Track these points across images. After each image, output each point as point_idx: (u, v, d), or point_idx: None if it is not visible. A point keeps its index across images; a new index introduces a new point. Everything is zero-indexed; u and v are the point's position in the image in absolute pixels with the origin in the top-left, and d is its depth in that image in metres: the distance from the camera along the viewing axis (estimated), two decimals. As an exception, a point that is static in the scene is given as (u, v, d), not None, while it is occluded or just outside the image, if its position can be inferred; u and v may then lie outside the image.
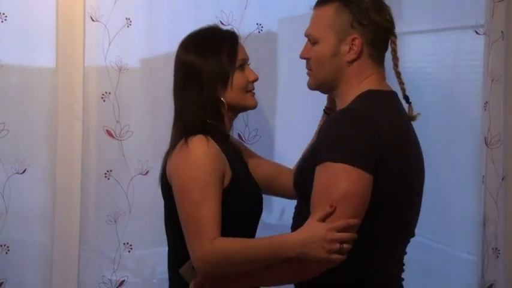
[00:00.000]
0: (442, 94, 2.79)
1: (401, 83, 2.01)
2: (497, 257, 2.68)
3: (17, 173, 2.38)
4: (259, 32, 2.58)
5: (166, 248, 2.21)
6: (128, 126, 2.43)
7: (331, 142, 1.80)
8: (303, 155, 2.15)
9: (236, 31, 2.30)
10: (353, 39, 1.91)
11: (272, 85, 2.65)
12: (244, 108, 2.07)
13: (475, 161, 2.67)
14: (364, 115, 1.83)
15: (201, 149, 1.86)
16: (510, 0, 2.63)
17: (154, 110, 2.48)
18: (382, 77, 1.98)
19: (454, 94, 2.77)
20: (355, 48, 1.91)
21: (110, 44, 2.39)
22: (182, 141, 1.90)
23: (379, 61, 1.97)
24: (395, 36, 1.98)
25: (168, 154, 1.97)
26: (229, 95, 1.98)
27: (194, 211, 1.84)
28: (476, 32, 2.67)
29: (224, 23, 2.49)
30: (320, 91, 2.06)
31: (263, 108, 2.55)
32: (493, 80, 2.62)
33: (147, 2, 2.47)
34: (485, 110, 2.62)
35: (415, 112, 2.02)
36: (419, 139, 1.99)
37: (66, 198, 2.37)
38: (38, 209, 2.43)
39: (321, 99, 2.58)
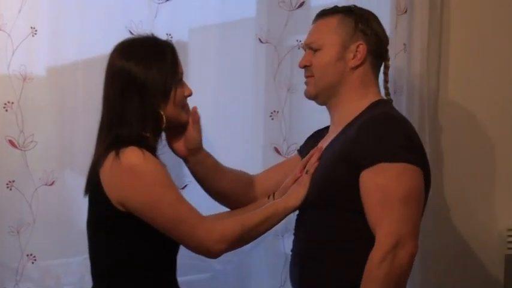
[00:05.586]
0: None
1: (390, 99, 2.09)
2: None
3: None
4: (169, 42, 2.59)
5: (71, 259, 2.21)
6: (32, 136, 2.38)
7: (382, 144, 1.81)
8: (324, 164, 2.00)
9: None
10: (358, 46, 1.97)
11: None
12: (179, 124, 2.02)
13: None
14: (404, 120, 1.92)
15: (139, 158, 1.82)
16: (413, 13, 2.70)
17: (60, 120, 2.45)
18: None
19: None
20: (358, 55, 1.97)
21: (13, 53, 2.34)
22: (112, 155, 1.84)
23: (377, 73, 2.04)
24: (388, 53, 2.06)
25: (95, 166, 1.90)
26: (169, 109, 1.94)
27: (177, 210, 1.84)
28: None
29: (134, 32, 2.46)
30: (318, 100, 2.06)
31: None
32: (395, 92, 2.69)
33: (53, 11, 2.42)
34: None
35: None
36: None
37: (-34, 208, 2.32)
38: None
39: (230, 112, 2.63)
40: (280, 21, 2.66)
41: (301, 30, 2.68)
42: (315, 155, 2.02)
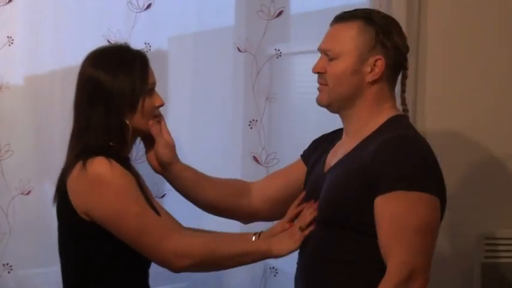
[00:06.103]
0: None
1: (405, 110, 1.99)
2: None
3: None
4: (147, 51, 2.54)
5: (48, 268, 2.20)
6: (8, 145, 2.40)
7: (399, 170, 1.74)
8: (336, 181, 1.89)
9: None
10: (376, 60, 1.87)
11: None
12: (149, 135, 1.98)
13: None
14: (422, 142, 1.84)
15: (105, 169, 1.81)
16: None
17: (36, 129, 2.45)
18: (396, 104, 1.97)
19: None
20: (376, 69, 1.87)
21: (-11, 63, 2.36)
22: (79, 165, 1.82)
23: (393, 86, 1.94)
24: (407, 62, 1.97)
25: (63, 175, 1.89)
26: (136, 120, 1.91)
27: (142, 222, 1.82)
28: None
29: (111, 41, 2.47)
30: (330, 108, 1.96)
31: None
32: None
33: (30, 20, 2.44)
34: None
35: None
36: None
37: None
38: None
39: (208, 120, 2.64)
40: (259, 30, 2.65)
41: (280, 39, 2.70)
42: (309, 214, 1.92)
